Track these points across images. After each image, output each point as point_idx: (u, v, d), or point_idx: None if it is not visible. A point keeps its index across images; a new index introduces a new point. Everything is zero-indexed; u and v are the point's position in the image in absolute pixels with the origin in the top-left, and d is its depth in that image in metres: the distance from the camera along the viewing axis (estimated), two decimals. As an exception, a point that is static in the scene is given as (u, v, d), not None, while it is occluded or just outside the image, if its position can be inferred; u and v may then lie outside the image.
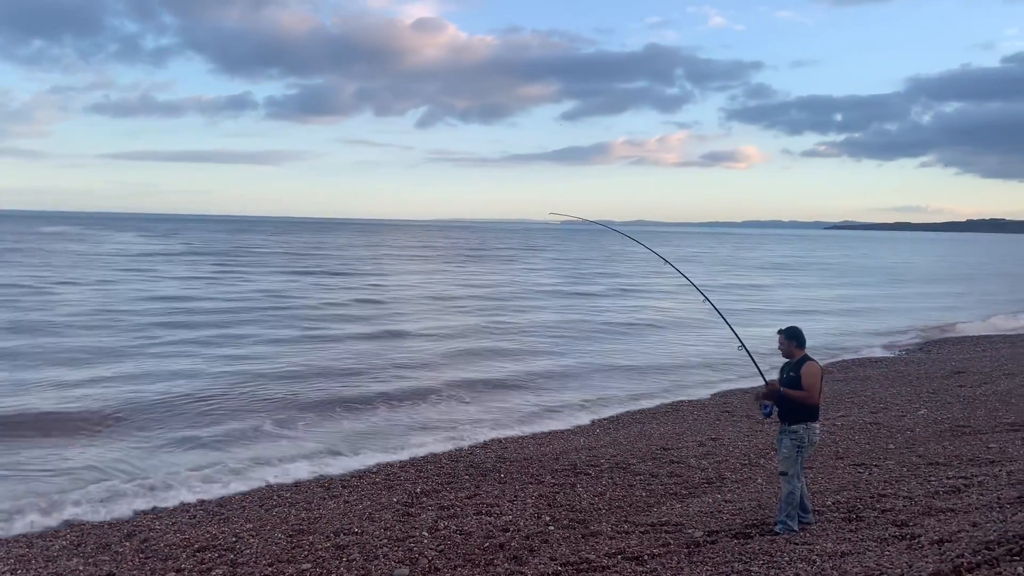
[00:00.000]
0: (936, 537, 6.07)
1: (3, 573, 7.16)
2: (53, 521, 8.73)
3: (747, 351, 7.48)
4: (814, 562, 5.95)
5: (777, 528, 6.97)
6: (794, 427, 6.90)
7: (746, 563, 6.13)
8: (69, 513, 8.97)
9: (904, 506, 7.46)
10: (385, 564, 6.93)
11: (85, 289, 33.38)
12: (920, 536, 6.24)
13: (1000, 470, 8.42)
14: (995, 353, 21.45)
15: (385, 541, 7.57)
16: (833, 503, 7.82)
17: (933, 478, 8.54)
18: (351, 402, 14.94)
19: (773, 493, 8.57)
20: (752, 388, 16.55)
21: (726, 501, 8.50)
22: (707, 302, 8.13)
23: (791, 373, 6.92)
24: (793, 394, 6.84)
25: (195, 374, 16.98)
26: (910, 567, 5.29)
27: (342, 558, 7.12)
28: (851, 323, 29.20)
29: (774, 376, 7.32)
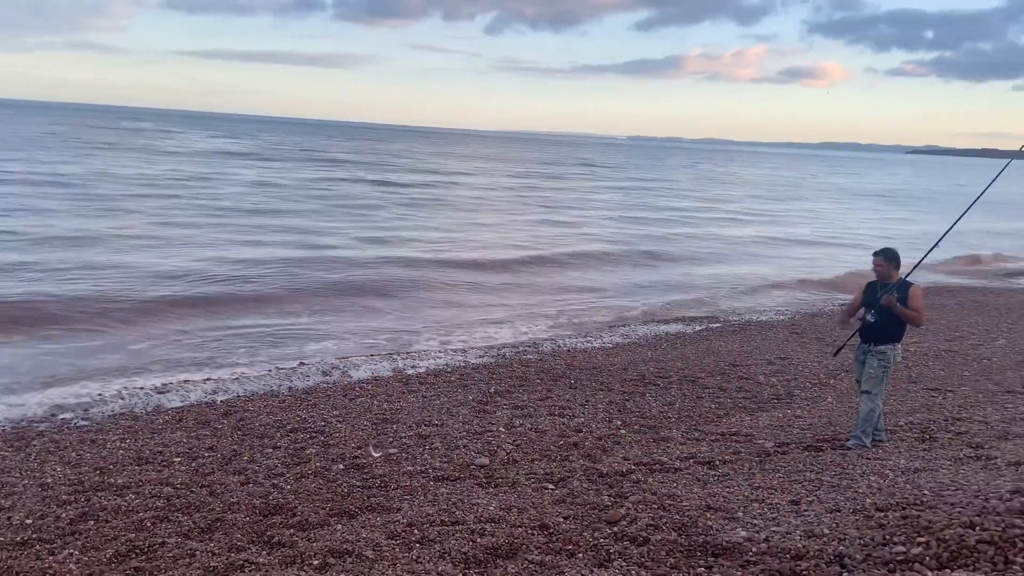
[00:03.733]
0: (1013, 459, 6.11)
1: (113, 441, 7.79)
2: (152, 399, 9.40)
3: None
4: (886, 476, 6.08)
5: (850, 443, 7.09)
6: (882, 347, 6.98)
7: (818, 472, 6.30)
8: (167, 392, 9.66)
9: (979, 430, 7.48)
10: (466, 453, 7.32)
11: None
12: (996, 458, 6.28)
13: (1082, 402, 8.32)
14: (1082, 288, 20.69)
15: (464, 434, 7.96)
16: (906, 424, 7.88)
17: (1010, 405, 8.50)
18: (420, 300, 15.44)
19: (844, 411, 8.67)
20: (820, 312, 16.40)
21: (796, 416, 8.63)
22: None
23: (896, 294, 6.88)
24: (909, 313, 6.86)
25: (263, 263, 17.69)
26: (987, 484, 5.38)
27: (425, 446, 7.54)
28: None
29: (832, 304, 7.32)
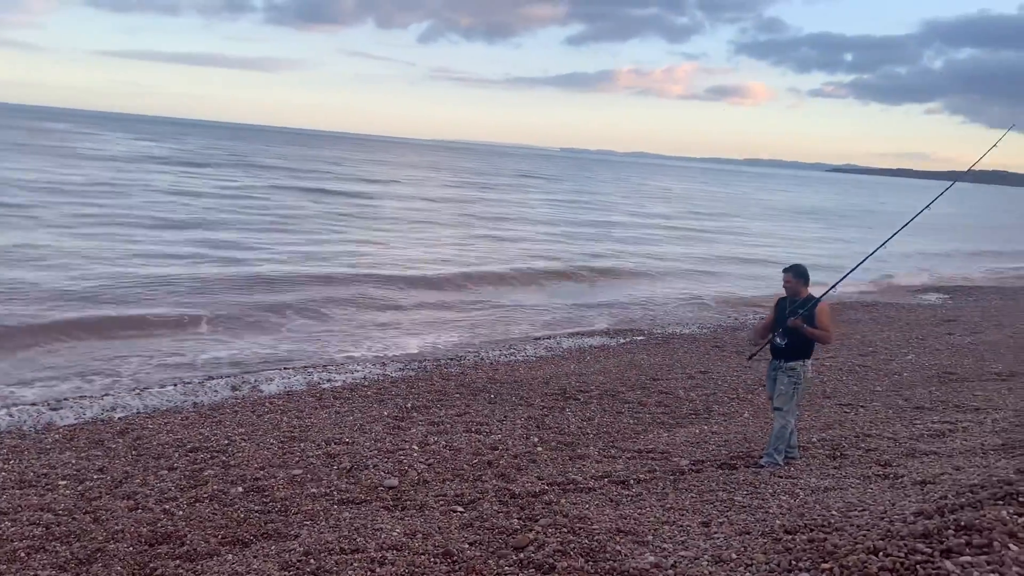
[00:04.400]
0: (919, 478, 6.16)
1: (-5, 463, 7.23)
2: (43, 416, 8.80)
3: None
4: (797, 495, 6.06)
5: (763, 461, 7.08)
6: (791, 364, 6.98)
7: (730, 492, 6.24)
8: (59, 408, 9.06)
9: (888, 447, 7.57)
10: (375, 474, 7.03)
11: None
12: (903, 476, 6.34)
13: (985, 417, 8.53)
14: (986, 304, 21.60)
15: (375, 452, 7.67)
16: (818, 440, 7.93)
17: (918, 422, 8.66)
18: (340, 308, 15.05)
19: (759, 427, 8.70)
20: (742, 325, 16.65)
21: (712, 433, 8.62)
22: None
23: (801, 311, 6.90)
24: (816, 333, 6.87)
25: (175, 278, 17.01)
26: (893, 505, 5.39)
27: (333, 466, 7.22)
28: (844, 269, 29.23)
29: (755, 317, 7.34)
